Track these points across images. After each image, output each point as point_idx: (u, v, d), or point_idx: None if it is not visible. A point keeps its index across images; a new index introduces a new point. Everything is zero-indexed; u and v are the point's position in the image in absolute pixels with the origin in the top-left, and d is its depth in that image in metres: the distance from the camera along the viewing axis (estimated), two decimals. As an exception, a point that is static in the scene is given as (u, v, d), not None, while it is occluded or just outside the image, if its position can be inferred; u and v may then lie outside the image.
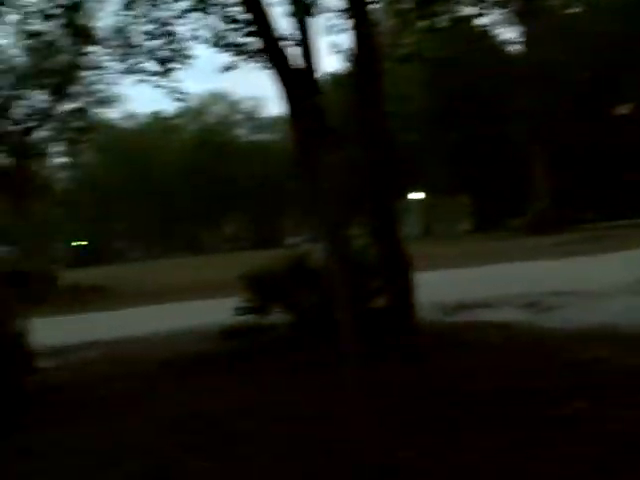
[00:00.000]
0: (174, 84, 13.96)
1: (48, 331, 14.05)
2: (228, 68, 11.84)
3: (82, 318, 20.11)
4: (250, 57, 11.39)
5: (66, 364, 12.07)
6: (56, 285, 31.16)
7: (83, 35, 16.57)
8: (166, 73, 13.87)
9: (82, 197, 66.65)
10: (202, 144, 71.74)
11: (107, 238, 76.53)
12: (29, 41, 14.36)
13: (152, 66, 14.21)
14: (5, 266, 12.35)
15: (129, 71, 15.14)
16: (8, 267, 17.06)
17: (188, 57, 12.99)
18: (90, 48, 24.09)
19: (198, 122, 79.44)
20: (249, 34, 10.85)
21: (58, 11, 12.92)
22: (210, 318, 14.36)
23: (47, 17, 13.04)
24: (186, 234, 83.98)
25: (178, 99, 14.53)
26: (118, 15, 14.28)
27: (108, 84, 30.07)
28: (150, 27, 12.65)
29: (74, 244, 73.73)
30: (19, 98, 29.92)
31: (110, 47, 20.84)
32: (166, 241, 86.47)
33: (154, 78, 14.32)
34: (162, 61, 13.62)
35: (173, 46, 12.65)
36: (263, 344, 10.55)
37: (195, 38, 12.23)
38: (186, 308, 19.50)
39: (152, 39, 12.93)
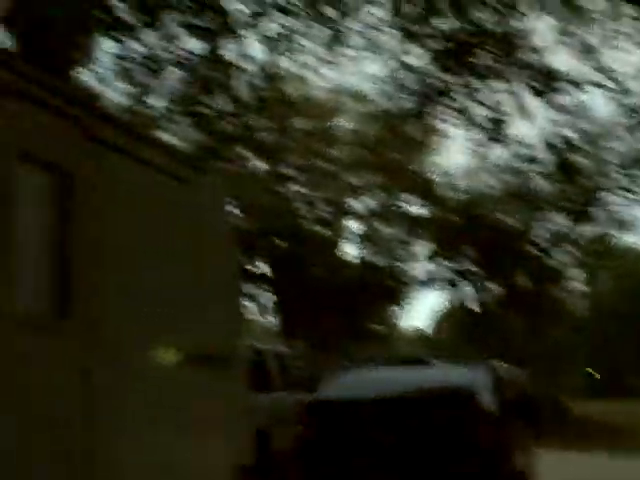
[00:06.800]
0: None
1: (554, 469, 13.10)
2: None
3: (589, 459, 18.63)
4: None
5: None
6: (566, 417, 30.09)
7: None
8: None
9: (597, 324, 64.86)
10: None
11: (618, 369, 73.00)
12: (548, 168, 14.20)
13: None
14: (513, 390, 11.89)
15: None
16: (515, 392, 16.67)
17: None
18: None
19: None
20: None
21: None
22: None
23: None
24: None
25: None
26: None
27: (629, 206, 28.85)
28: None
29: (586, 373, 71.90)
30: (538, 220, 30.38)
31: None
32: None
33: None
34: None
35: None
36: None
37: None
38: None
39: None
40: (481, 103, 11.42)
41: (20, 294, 3.64)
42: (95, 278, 4.09)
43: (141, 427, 4.24)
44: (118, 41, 9.24)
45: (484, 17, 10.58)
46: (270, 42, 9.82)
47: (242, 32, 9.58)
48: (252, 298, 31.86)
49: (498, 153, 12.76)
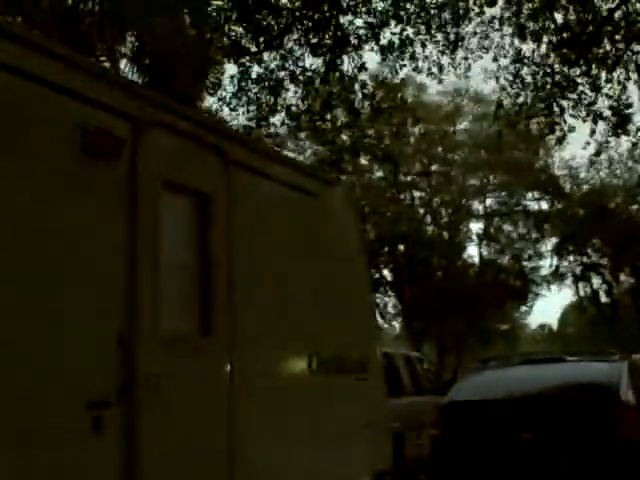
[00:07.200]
0: None
1: None
2: None
3: None
4: None
5: None
6: None
7: None
8: None
9: None
10: None
11: None
12: None
13: None
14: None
15: None
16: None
17: None
18: None
19: None
20: None
21: None
22: None
23: None
24: None
25: None
26: None
27: None
28: None
29: None
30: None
31: None
32: None
33: None
34: None
35: None
36: None
37: None
38: None
39: None
40: (605, 94, 11.02)
41: (166, 314, 3.78)
42: (233, 293, 4.25)
43: (284, 436, 4.36)
44: (240, 65, 9.49)
45: (604, 5, 10.24)
46: (387, 51, 9.85)
47: (360, 44, 9.66)
48: (377, 304, 31.82)
49: (624, 144, 12.23)
